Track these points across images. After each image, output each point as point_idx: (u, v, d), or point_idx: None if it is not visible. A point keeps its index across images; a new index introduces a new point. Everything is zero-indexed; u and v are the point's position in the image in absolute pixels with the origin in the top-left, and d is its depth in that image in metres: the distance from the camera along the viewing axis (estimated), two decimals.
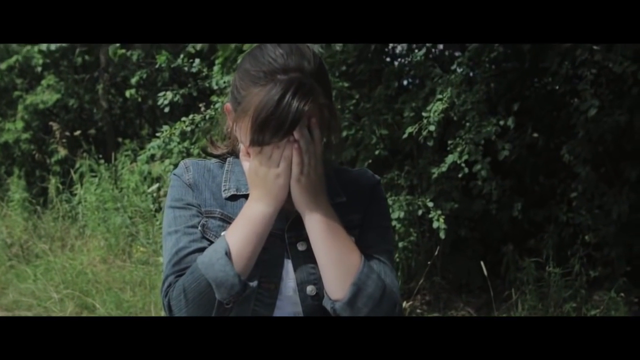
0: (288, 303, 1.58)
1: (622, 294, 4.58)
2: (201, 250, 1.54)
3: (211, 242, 1.56)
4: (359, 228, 1.62)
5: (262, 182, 1.53)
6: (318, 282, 1.57)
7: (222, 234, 1.55)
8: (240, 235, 1.51)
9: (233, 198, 1.61)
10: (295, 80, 1.45)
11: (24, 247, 6.79)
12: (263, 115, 1.44)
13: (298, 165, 1.51)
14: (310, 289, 1.57)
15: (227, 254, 1.49)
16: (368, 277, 1.53)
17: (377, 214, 1.66)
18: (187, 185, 1.62)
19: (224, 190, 1.62)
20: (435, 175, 4.61)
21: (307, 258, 1.57)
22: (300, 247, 1.58)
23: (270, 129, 1.45)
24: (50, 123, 8.22)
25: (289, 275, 1.58)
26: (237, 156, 1.67)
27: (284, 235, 1.59)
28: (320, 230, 1.53)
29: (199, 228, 1.58)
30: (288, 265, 1.58)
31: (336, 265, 1.53)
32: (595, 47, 4.49)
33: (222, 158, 1.68)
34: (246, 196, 1.59)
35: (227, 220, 1.58)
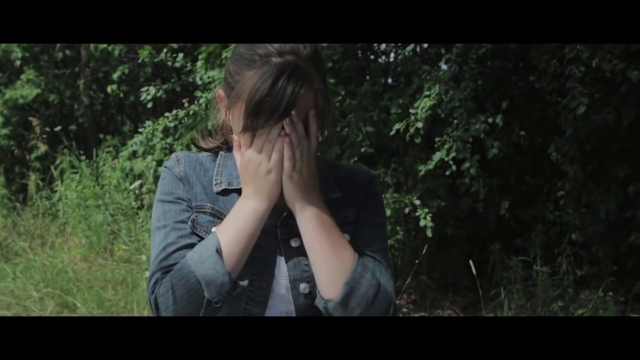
0: (280, 301, 1.53)
1: (610, 293, 4.55)
2: (190, 246, 1.49)
3: (201, 238, 1.50)
4: (354, 225, 1.57)
5: (253, 178, 1.48)
6: (311, 279, 1.51)
7: (213, 229, 1.50)
8: (232, 232, 1.46)
9: (225, 192, 1.56)
10: (290, 63, 1.40)
11: (2, 244, 6.67)
12: (257, 98, 1.39)
13: (289, 160, 1.46)
14: (303, 287, 1.52)
15: (218, 251, 1.43)
16: (361, 276, 1.48)
17: (372, 210, 1.61)
18: (177, 178, 1.57)
19: (215, 185, 1.56)
20: (422, 173, 4.56)
21: (300, 255, 1.52)
22: (294, 243, 1.53)
23: (264, 112, 1.40)
24: (30, 118, 8.10)
25: (282, 273, 1.53)
26: (229, 149, 1.61)
27: (277, 232, 1.53)
28: (312, 229, 1.48)
29: (189, 223, 1.52)
30: (280, 262, 1.53)
31: (329, 264, 1.48)
32: (579, 47, 4.47)
33: (214, 151, 1.62)
34: (238, 191, 1.53)
35: (218, 216, 1.53)
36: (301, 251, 1.51)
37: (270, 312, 1.53)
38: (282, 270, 1.53)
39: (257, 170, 1.47)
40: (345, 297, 1.47)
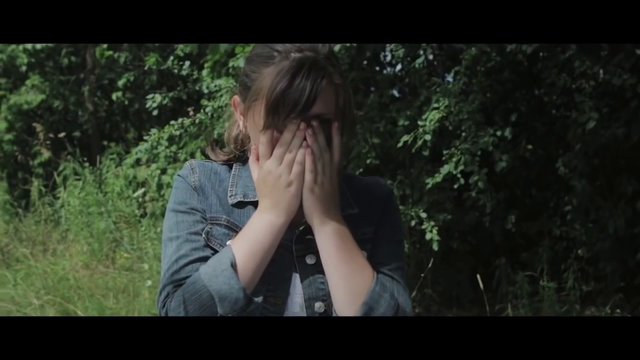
0: None
1: (618, 310, 4.50)
2: (203, 259, 1.43)
3: (215, 251, 1.45)
4: (371, 242, 1.52)
5: (271, 190, 1.42)
6: (327, 298, 1.46)
7: (228, 242, 1.45)
8: (247, 247, 1.41)
9: (240, 205, 1.50)
10: (310, 58, 1.38)
11: (4, 250, 6.64)
12: (278, 92, 1.35)
13: (311, 172, 1.41)
14: (318, 306, 1.46)
15: (233, 265, 1.38)
16: (380, 297, 1.43)
17: (390, 227, 1.56)
18: (192, 188, 1.51)
19: (230, 196, 1.51)
20: (429, 186, 4.52)
21: (315, 272, 1.47)
22: (309, 260, 1.47)
23: (286, 106, 1.36)
24: (34, 124, 8.08)
25: (297, 290, 1.47)
26: (243, 162, 1.56)
27: (292, 247, 1.48)
28: (331, 246, 1.43)
29: (203, 235, 1.47)
30: (295, 279, 1.47)
31: (347, 283, 1.42)
32: (587, 62, 4.45)
33: (228, 162, 1.57)
34: (254, 203, 1.48)
35: (233, 229, 1.47)
36: (317, 268, 1.46)
37: None
38: (297, 287, 1.47)
39: (276, 182, 1.42)
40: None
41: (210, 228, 1.48)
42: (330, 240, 1.43)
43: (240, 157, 1.56)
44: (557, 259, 5.08)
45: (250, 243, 1.41)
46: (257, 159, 1.46)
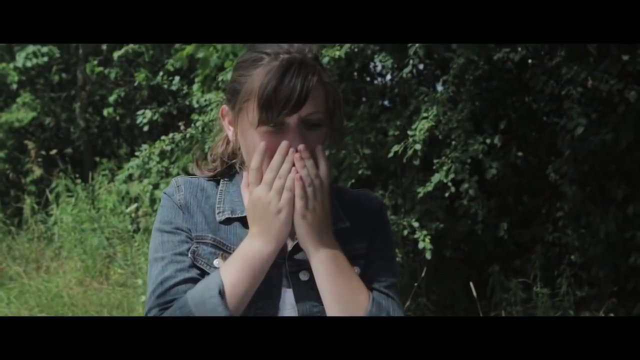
0: None
1: (611, 315, 4.51)
2: (189, 280, 1.43)
3: (201, 270, 1.45)
4: (364, 258, 1.51)
5: (260, 216, 1.42)
6: (321, 314, 1.46)
7: (215, 262, 1.44)
8: (236, 274, 1.40)
9: (227, 221, 1.49)
10: (298, 58, 1.40)
11: None
12: (270, 88, 1.36)
13: (302, 199, 1.40)
14: None
15: (221, 292, 1.37)
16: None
17: (383, 242, 1.55)
18: (177, 206, 1.50)
19: (218, 213, 1.50)
20: (421, 195, 4.53)
21: (310, 289, 1.46)
22: (303, 276, 1.47)
23: (278, 103, 1.36)
24: (26, 142, 8.07)
25: (287, 306, 1.47)
26: (230, 177, 1.55)
27: (283, 264, 1.47)
28: (326, 271, 1.43)
29: (189, 255, 1.46)
30: (285, 295, 1.47)
31: (343, 306, 1.42)
32: (576, 67, 4.47)
33: (215, 178, 1.56)
34: (241, 219, 1.48)
35: (219, 247, 1.47)
36: (311, 285, 1.46)
37: None
38: (287, 303, 1.47)
39: (266, 209, 1.41)
40: None
41: (197, 247, 1.47)
42: (324, 266, 1.43)
43: (227, 171, 1.56)
44: (550, 265, 5.10)
45: (239, 269, 1.40)
46: (248, 185, 1.46)
